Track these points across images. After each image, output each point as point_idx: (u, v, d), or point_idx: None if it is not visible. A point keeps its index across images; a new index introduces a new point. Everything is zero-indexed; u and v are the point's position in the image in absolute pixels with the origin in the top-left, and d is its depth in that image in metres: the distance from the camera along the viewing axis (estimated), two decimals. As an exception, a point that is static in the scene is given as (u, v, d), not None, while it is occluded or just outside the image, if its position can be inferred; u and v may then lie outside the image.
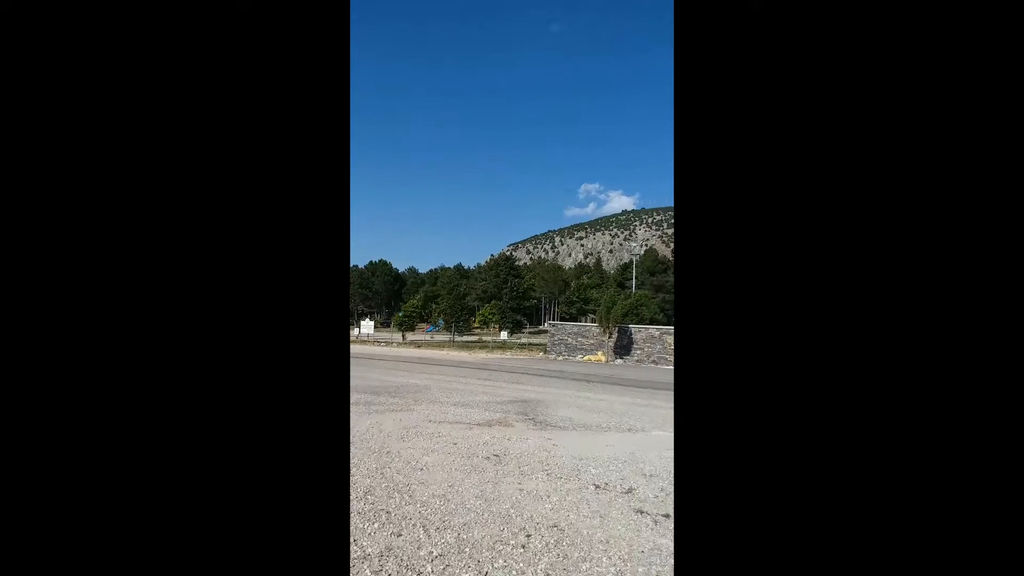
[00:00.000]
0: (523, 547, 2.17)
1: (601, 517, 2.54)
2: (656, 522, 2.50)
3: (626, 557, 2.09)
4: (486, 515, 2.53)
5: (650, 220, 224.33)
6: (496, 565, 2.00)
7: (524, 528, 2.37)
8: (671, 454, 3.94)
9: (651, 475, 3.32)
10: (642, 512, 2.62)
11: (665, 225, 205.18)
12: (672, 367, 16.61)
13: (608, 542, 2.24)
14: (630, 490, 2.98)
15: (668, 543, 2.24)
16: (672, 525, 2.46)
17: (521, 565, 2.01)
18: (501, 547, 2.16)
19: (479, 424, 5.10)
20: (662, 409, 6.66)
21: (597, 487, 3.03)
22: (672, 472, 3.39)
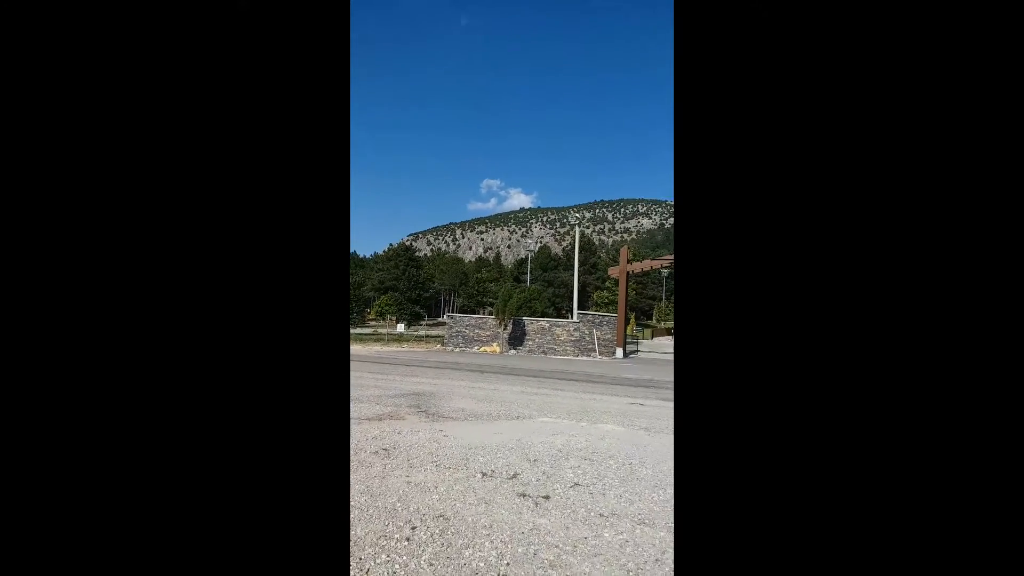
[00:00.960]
0: (408, 540, 2.17)
1: (486, 503, 2.63)
2: (537, 504, 2.66)
3: (507, 540, 2.21)
4: (371, 511, 2.47)
5: (545, 219, 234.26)
6: (379, 561, 1.98)
7: (410, 521, 2.37)
8: (554, 439, 4.22)
9: (535, 460, 3.52)
10: (525, 495, 2.78)
11: (558, 224, 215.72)
12: (558, 356, 17.55)
13: (491, 527, 2.33)
14: (515, 475, 3.14)
15: (547, 522, 2.40)
16: (551, 506, 2.64)
17: (404, 558, 2.01)
18: (385, 542, 2.14)
19: (369, 419, 4.93)
20: (549, 396, 7.06)
21: (484, 475, 3.13)
22: (553, 456, 3.64)
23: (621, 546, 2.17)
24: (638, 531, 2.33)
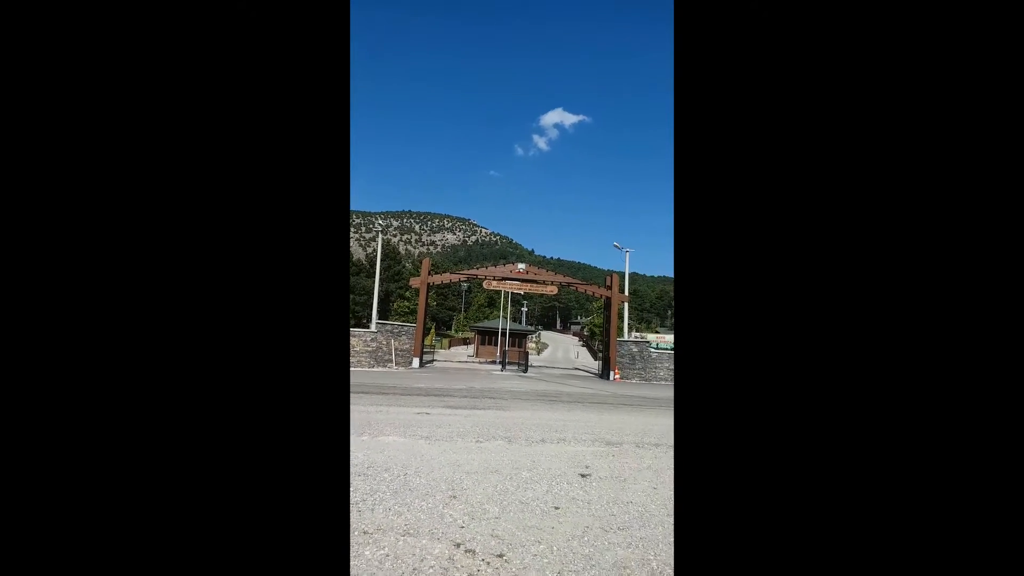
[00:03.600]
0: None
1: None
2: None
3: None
4: None
5: (350, 222, 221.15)
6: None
7: None
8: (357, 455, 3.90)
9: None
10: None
11: (364, 229, 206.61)
12: (353, 368, 16.62)
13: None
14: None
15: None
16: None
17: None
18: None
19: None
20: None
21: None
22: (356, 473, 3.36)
23: (380, 562, 2.12)
24: (400, 543, 2.32)
